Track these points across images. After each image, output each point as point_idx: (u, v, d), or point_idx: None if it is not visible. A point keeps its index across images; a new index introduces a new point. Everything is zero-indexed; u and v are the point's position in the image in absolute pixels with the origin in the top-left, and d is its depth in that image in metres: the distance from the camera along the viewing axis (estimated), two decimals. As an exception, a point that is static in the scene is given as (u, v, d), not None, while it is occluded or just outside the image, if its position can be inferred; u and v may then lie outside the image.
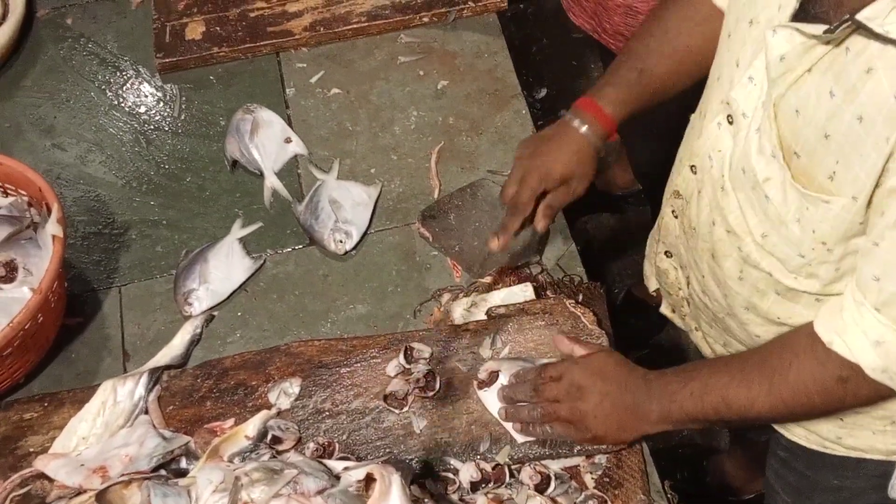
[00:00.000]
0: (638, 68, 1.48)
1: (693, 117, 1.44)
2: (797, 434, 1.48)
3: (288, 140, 1.85)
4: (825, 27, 1.04)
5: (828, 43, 1.07)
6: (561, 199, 1.48)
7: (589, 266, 1.68)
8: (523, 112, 1.88)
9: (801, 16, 1.12)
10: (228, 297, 1.66)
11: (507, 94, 1.91)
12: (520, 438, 1.42)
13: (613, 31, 2.13)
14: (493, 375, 1.47)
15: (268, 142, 1.83)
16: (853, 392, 1.19)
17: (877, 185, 1.06)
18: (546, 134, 1.51)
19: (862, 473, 1.46)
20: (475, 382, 1.48)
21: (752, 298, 1.34)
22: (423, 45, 2.00)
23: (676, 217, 1.47)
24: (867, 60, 1.02)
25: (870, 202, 1.09)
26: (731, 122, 1.27)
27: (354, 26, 2.00)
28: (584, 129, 1.47)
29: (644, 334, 2.64)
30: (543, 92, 3.28)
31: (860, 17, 1.00)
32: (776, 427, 1.52)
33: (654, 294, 1.69)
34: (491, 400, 1.46)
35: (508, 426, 1.43)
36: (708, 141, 1.32)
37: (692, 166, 1.38)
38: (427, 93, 1.92)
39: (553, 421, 1.39)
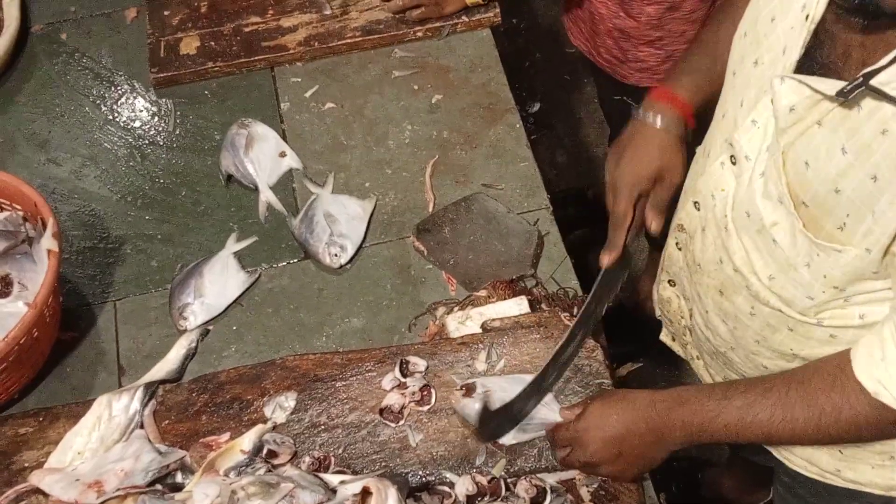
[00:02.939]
0: (710, 55, 1.46)
1: (698, 151, 1.44)
2: (797, 464, 1.48)
3: (282, 154, 1.85)
4: (837, 87, 1.02)
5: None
6: (662, 195, 1.46)
7: (583, 279, 1.68)
8: (517, 126, 1.89)
9: (806, 62, 1.11)
10: (223, 312, 1.66)
11: (500, 108, 1.92)
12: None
13: (607, 53, 2.14)
14: (472, 385, 1.47)
15: (262, 156, 1.83)
16: None
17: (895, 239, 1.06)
18: (626, 139, 1.49)
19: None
20: (456, 394, 1.47)
21: (764, 332, 1.33)
22: (417, 59, 2.01)
23: (680, 250, 1.47)
24: (882, 121, 1.01)
25: (887, 253, 1.08)
26: (734, 163, 1.26)
27: (349, 41, 2.01)
28: (659, 122, 1.45)
29: (638, 347, 2.65)
30: (537, 106, 3.30)
31: (875, 83, 0.98)
32: (777, 456, 1.52)
33: (659, 318, 1.69)
34: (470, 410, 1.46)
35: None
36: (711, 179, 1.31)
37: (695, 202, 1.37)
38: (421, 107, 1.93)
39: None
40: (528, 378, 1.48)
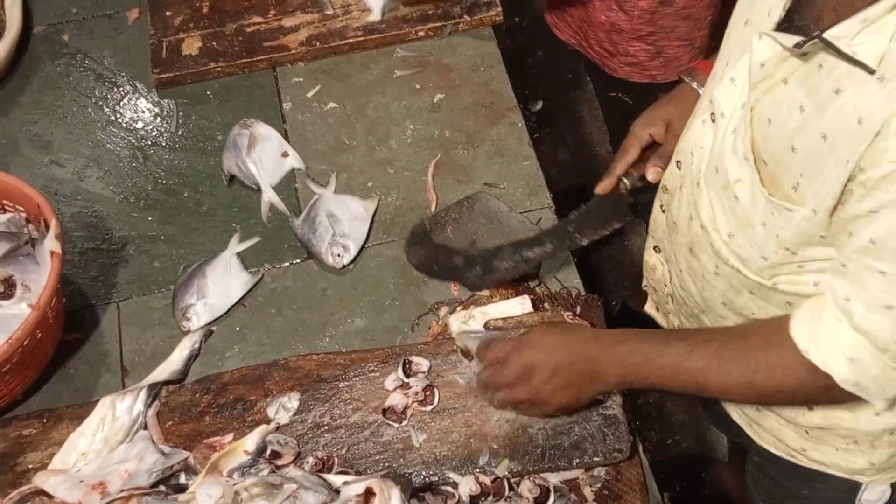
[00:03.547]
0: None
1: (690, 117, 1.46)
2: (766, 440, 1.50)
3: (285, 154, 1.85)
4: (797, 40, 1.05)
5: (803, 55, 1.08)
6: (669, 147, 1.49)
7: (586, 278, 1.68)
8: (519, 125, 1.89)
9: (785, 25, 1.14)
10: (227, 312, 1.66)
11: (503, 107, 1.92)
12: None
13: (598, 45, 2.14)
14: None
15: (265, 156, 1.83)
16: (835, 396, 1.20)
17: (840, 204, 1.08)
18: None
19: (830, 486, 1.47)
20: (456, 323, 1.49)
21: (728, 294, 1.35)
22: (419, 58, 2.01)
23: (664, 212, 1.49)
24: (837, 80, 1.03)
25: (832, 216, 1.10)
26: (713, 121, 1.29)
27: (350, 41, 2.01)
28: (692, 82, 1.53)
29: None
30: (539, 104, 3.29)
31: (828, 35, 1.01)
32: (748, 431, 1.53)
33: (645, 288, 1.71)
34: (471, 343, 1.48)
35: None
36: (693, 137, 1.34)
37: (678, 161, 1.40)
38: (423, 106, 1.93)
39: (515, 405, 1.40)
40: None
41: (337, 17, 2.04)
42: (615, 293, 2.82)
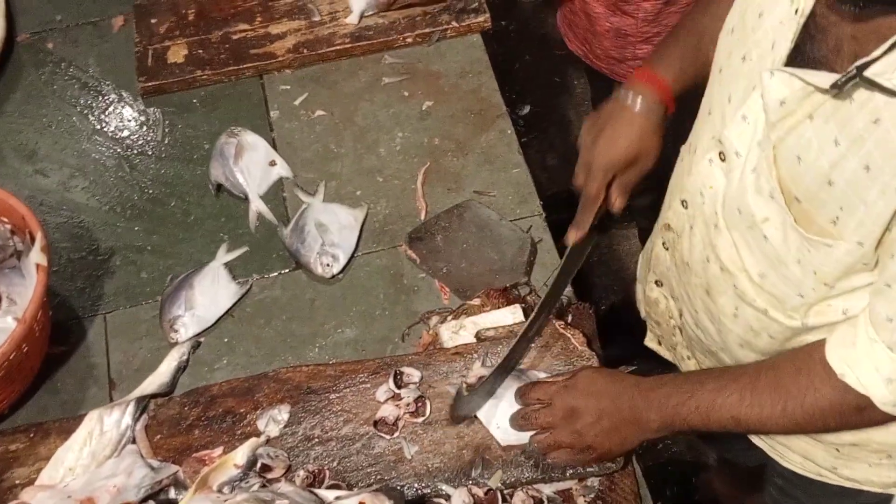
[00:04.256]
0: (694, 43, 1.45)
1: (683, 149, 1.43)
2: (793, 462, 1.48)
3: (273, 163, 1.84)
4: (831, 80, 1.02)
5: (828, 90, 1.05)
6: (631, 178, 1.47)
7: (575, 284, 1.67)
8: (508, 132, 1.88)
9: (796, 56, 1.11)
10: (215, 324, 1.65)
11: (492, 114, 1.91)
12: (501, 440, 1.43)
13: (605, 55, 2.14)
14: (481, 380, 1.46)
15: (252, 165, 1.82)
16: (869, 418, 1.20)
17: (886, 230, 1.06)
18: (605, 116, 1.48)
19: (859, 502, 1.46)
20: (463, 385, 1.47)
21: (747, 336, 1.33)
22: (407, 65, 1.99)
23: (667, 249, 1.47)
24: (873, 111, 1.01)
25: (879, 242, 1.09)
26: (723, 160, 1.26)
27: (338, 48, 1.99)
28: (639, 105, 1.44)
29: (631, 349, 2.64)
30: (527, 109, 3.29)
31: (869, 74, 0.98)
32: (771, 455, 1.51)
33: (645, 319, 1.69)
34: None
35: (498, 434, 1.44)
36: (699, 177, 1.31)
37: (683, 201, 1.37)
38: (412, 113, 1.92)
39: (556, 448, 1.38)
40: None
41: (324, 23, 2.03)
42: (604, 298, 2.82)
